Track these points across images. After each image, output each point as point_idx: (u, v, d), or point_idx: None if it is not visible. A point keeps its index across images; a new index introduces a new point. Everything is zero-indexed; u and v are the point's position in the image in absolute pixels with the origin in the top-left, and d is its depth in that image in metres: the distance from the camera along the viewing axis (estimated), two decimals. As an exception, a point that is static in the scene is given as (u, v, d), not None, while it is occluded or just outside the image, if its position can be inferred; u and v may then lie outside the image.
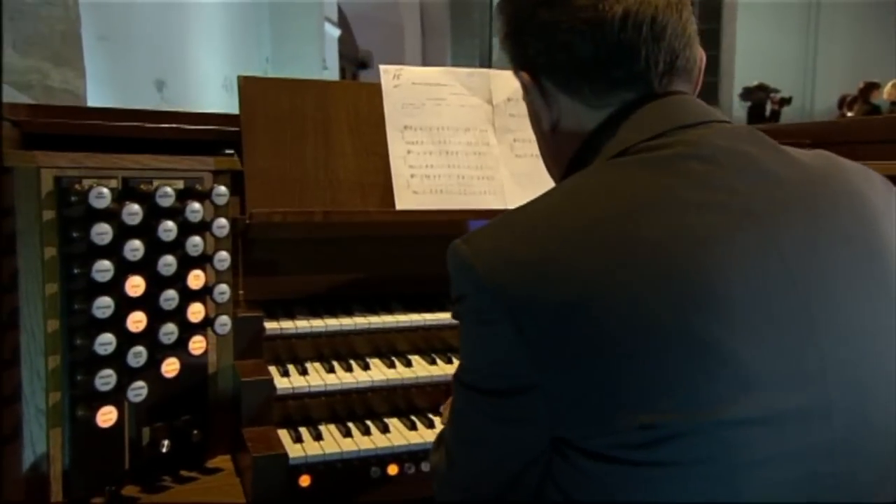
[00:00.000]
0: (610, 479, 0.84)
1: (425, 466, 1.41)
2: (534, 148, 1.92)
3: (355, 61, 13.50)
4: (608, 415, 0.81)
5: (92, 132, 1.49)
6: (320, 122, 1.73)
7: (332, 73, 9.42)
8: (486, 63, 17.16)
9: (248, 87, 1.69)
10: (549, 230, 0.86)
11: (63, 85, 3.23)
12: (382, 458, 1.39)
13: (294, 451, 1.34)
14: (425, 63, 14.78)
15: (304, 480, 1.32)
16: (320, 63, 8.13)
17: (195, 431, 1.41)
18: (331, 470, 1.35)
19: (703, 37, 1.04)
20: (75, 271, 1.22)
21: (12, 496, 1.24)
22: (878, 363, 0.87)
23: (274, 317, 1.59)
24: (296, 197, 1.67)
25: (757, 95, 11.51)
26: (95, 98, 4.52)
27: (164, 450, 1.35)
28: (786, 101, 11.46)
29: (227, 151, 1.52)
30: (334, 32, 10.09)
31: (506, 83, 1.90)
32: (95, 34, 4.93)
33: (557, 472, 0.87)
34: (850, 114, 9.62)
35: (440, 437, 1.05)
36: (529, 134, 1.87)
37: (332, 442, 1.38)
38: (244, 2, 7.48)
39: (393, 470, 1.39)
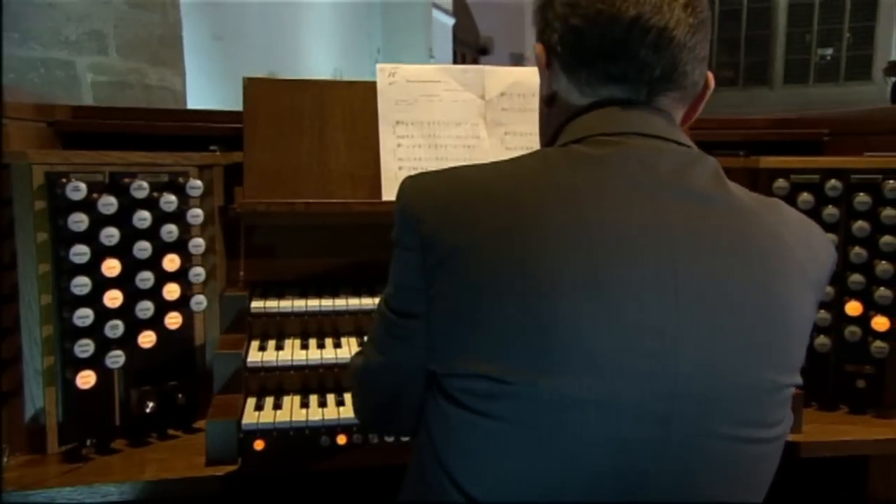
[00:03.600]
0: (454, 422, 0.91)
1: (374, 438, 1.50)
2: (524, 141, 1.96)
3: (476, 47, 13.57)
4: (461, 356, 0.89)
5: (84, 129, 1.68)
6: (317, 118, 1.83)
7: (441, 62, 9.60)
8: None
9: (252, 87, 1.82)
10: (473, 186, 0.93)
11: (160, 83, 3.54)
12: (332, 428, 1.48)
13: (250, 417, 1.45)
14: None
15: (259, 444, 1.44)
16: (426, 53, 8.31)
17: (180, 396, 1.56)
18: (284, 437, 1.46)
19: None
20: (61, 254, 1.37)
21: (17, 442, 1.44)
22: (729, 392, 0.88)
23: (269, 296, 1.73)
24: (289, 187, 1.79)
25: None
26: (207, 94, 4.88)
27: (147, 410, 1.51)
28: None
29: (212, 147, 1.66)
30: (448, 21, 10.21)
31: (500, 79, 1.93)
32: (211, 34, 5.31)
33: (427, 408, 0.97)
34: None
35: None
36: (521, 127, 1.93)
37: (287, 412, 1.49)
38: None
39: (342, 440, 1.48)
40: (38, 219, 1.38)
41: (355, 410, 1.17)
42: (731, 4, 17.25)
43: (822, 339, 1.67)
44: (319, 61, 6.81)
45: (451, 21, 10.38)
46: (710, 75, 1.06)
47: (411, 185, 0.97)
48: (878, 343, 1.63)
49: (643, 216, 0.89)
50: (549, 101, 1.08)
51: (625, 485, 0.87)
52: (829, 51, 16.47)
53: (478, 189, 0.92)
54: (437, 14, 9.43)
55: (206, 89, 4.69)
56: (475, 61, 13.37)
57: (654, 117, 0.99)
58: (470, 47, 13.30)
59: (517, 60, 13.10)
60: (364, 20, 7.91)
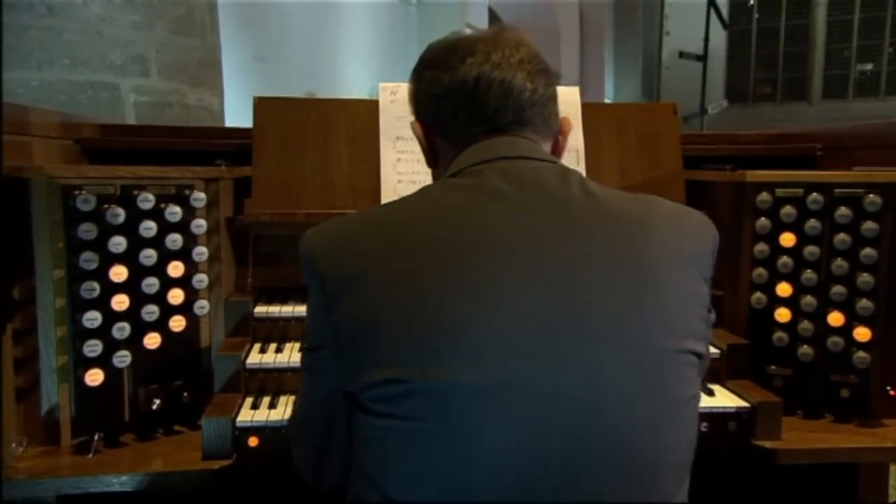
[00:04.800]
0: (368, 430, 0.96)
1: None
2: (520, 154, 1.98)
3: (513, 67, 13.58)
4: (366, 369, 0.94)
5: (107, 146, 1.76)
6: (321, 134, 1.89)
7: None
8: (653, 62, 16.56)
9: (261, 106, 1.90)
10: (362, 224, 1.04)
11: (198, 103, 3.66)
12: (322, 427, 1.53)
13: (245, 416, 1.50)
14: (583, 65, 14.56)
15: (253, 441, 1.49)
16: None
17: (185, 394, 1.62)
18: (277, 434, 1.50)
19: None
20: (72, 260, 1.45)
21: (33, 434, 1.52)
22: (614, 363, 0.92)
23: (274, 302, 1.78)
24: (295, 199, 1.85)
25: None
26: (248, 112, 5.00)
27: (154, 407, 1.58)
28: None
29: (217, 162, 1.73)
30: (482, 41, 10.28)
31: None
32: (252, 56, 5.45)
33: (353, 427, 1.01)
34: None
35: None
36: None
37: (281, 411, 1.54)
38: (393, 20, 7.90)
39: (331, 438, 1.53)
40: (54, 228, 1.46)
41: (295, 463, 1.19)
42: (769, 21, 16.97)
43: (805, 349, 1.65)
44: (357, 81, 6.92)
45: (486, 41, 10.45)
46: (567, 118, 1.22)
47: (310, 233, 1.06)
48: (860, 353, 1.60)
49: (512, 223, 0.97)
50: (434, 164, 1.23)
51: (531, 465, 0.90)
52: (869, 66, 16.05)
53: (366, 226, 1.03)
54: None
55: (248, 108, 4.80)
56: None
57: (517, 141, 1.12)
58: (507, 66, 13.32)
59: (553, 79, 13.03)
60: (401, 41, 8.02)
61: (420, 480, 0.91)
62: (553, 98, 1.18)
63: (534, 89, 1.13)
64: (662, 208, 1.06)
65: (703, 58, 10.11)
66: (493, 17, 11.47)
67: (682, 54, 12.24)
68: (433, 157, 1.23)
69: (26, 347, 1.49)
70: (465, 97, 1.12)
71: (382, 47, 7.74)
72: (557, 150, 1.23)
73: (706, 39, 10.02)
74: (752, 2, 15.59)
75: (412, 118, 1.23)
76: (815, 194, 1.64)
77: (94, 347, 1.46)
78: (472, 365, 0.89)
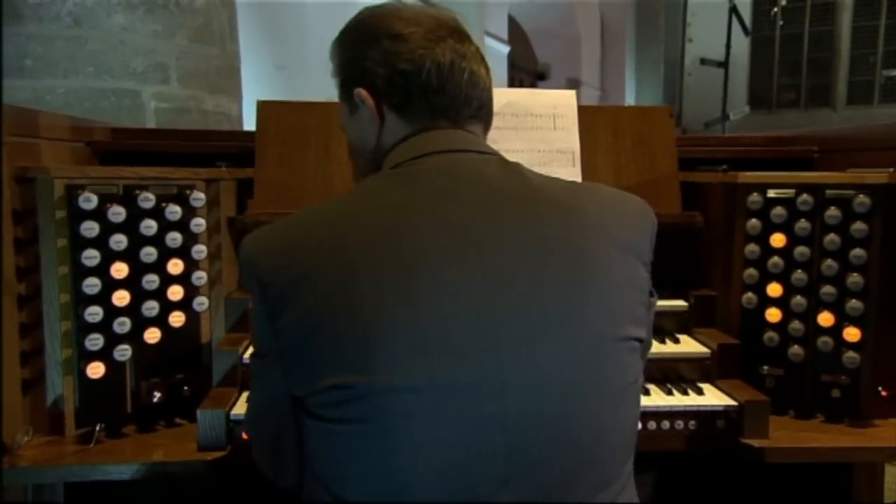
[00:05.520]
0: (316, 435, 0.96)
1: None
2: (516, 157, 1.95)
3: (534, 73, 13.62)
4: (311, 375, 0.94)
5: (118, 148, 1.81)
6: (322, 137, 1.92)
7: (494, 86, 9.69)
8: (675, 69, 16.41)
9: (264, 109, 1.93)
10: (299, 228, 1.01)
11: (217, 109, 3.72)
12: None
13: (240, 409, 1.52)
14: (603, 71, 14.52)
15: (246, 434, 1.52)
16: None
17: (185, 388, 1.66)
18: (270, 427, 1.54)
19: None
20: (76, 257, 1.50)
21: (39, 425, 1.56)
22: (555, 353, 0.92)
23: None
24: (295, 200, 1.87)
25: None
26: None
27: (155, 400, 1.61)
28: None
29: (218, 163, 1.76)
30: (503, 49, 10.32)
31: (497, 99, 1.93)
32: (274, 64, 5.53)
33: (303, 430, 1.01)
34: None
35: None
36: (513, 145, 1.97)
37: (275, 404, 1.57)
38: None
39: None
40: (59, 226, 1.50)
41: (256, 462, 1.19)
42: (793, 28, 16.77)
43: (795, 349, 1.64)
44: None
45: (506, 49, 10.48)
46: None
47: (249, 239, 1.04)
48: (850, 353, 1.59)
49: (449, 218, 0.96)
50: (378, 138, 1.17)
51: (476, 460, 0.90)
52: (895, 72, 15.78)
53: (303, 229, 1.00)
54: (490, 42, 9.54)
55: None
56: (532, 86, 13.44)
57: (457, 134, 1.11)
58: (528, 73, 13.36)
59: (574, 85, 13.09)
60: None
61: (368, 481, 0.91)
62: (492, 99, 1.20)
63: (488, 86, 1.14)
64: (601, 196, 1.06)
65: (724, 64, 10.03)
66: (513, 22, 11.50)
67: (703, 61, 12.15)
68: (380, 131, 1.16)
69: (33, 341, 1.53)
70: (439, 80, 1.09)
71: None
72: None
73: (728, 46, 9.95)
74: (775, 10, 15.40)
75: (344, 85, 1.18)
76: (804, 195, 1.62)
77: (95, 341, 1.50)
78: (415, 367, 0.89)
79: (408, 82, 1.11)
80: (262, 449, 1.13)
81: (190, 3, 3.57)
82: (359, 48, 1.15)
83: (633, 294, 1.01)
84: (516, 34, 11.82)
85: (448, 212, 0.97)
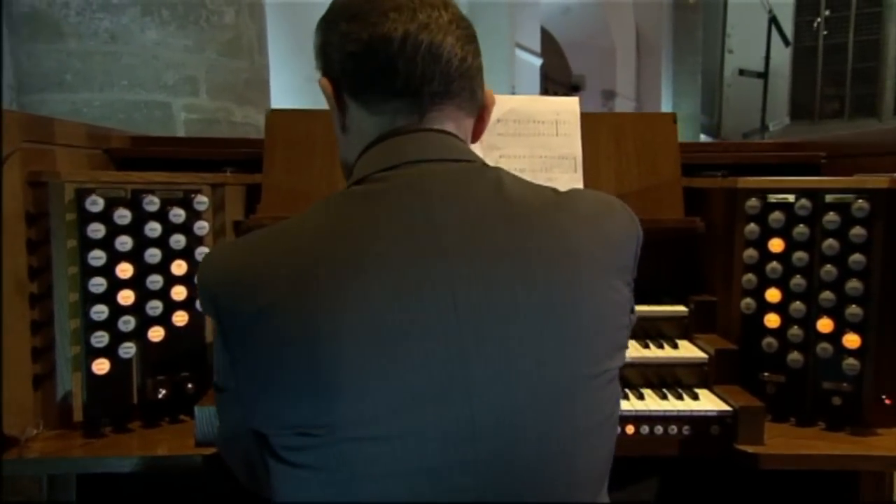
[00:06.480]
0: (280, 475, 0.92)
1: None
2: (518, 163, 2.00)
3: (567, 85, 13.60)
4: (271, 417, 0.90)
5: (135, 155, 1.87)
6: (328, 143, 1.95)
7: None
8: (713, 80, 16.23)
9: (273, 117, 1.98)
10: (258, 255, 0.92)
11: (244, 120, 3.82)
12: (309, 419, 1.57)
13: (237, 405, 1.58)
14: (639, 82, 14.41)
15: (243, 430, 1.56)
16: (509, 89, 8.46)
17: (189, 385, 1.70)
18: (266, 424, 1.57)
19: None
20: (83, 258, 1.56)
21: (49, 419, 1.62)
22: (531, 397, 0.87)
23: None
24: (301, 205, 1.91)
25: None
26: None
27: (160, 397, 1.66)
28: None
29: (224, 168, 1.81)
30: (535, 61, 10.34)
31: (498, 107, 1.98)
32: (303, 76, 5.63)
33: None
34: None
35: None
36: (515, 150, 1.98)
37: (271, 402, 1.60)
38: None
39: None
40: (69, 228, 1.56)
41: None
42: (837, 38, 16.44)
43: (795, 356, 1.61)
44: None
45: (538, 61, 10.50)
46: (490, 92, 1.08)
47: (207, 261, 0.98)
48: (849, 360, 1.55)
49: (419, 246, 0.88)
50: (343, 129, 1.08)
51: None
52: (943, 81, 15.35)
53: (262, 257, 0.91)
54: (522, 54, 9.57)
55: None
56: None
57: (428, 140, 1.00)
58: (562, 85, 13.35)
59: (608, 97, 13.04)
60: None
61: None
62: (481, 70, 1.06)
63: (463, 57, 1.00)
64: (585, 211, 0.98)
65: (763, 75, 9.89)
66: (546, 35, 11.52)
67: (742, 72, 11.98)
68: (343, 120, 1.07)
69: (44, 337, 1.59)
70: (388, 58, 0.97)
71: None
72: (480, 127, 1.11)
73: (767, 57, 9.82)
74: (818, 20, 15.14)
75: (317, 74, 1.08)
76: (802, 200, 1.60)
77: (101, 338, 1.55)
78: (380, 417, 0.83)
79: (357, 65, 1.00)
80: (237, 470, 1.11)
81: (220, 19, 3.68)
82: (323, 35, 1.06)
83: (616, 320, 0.95)
84: (550, 47, 11.84)
85: (419, 242, 0.88)
